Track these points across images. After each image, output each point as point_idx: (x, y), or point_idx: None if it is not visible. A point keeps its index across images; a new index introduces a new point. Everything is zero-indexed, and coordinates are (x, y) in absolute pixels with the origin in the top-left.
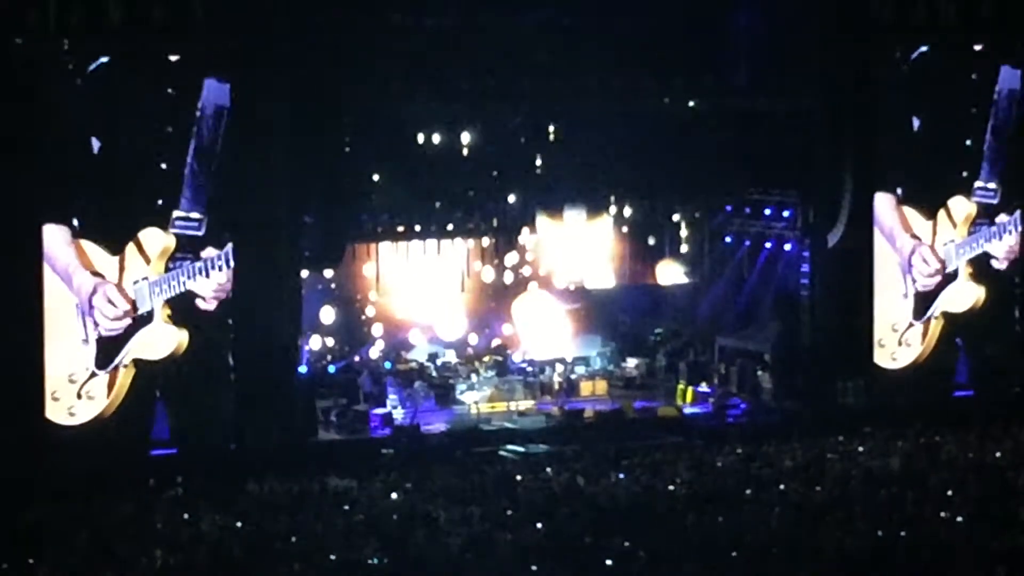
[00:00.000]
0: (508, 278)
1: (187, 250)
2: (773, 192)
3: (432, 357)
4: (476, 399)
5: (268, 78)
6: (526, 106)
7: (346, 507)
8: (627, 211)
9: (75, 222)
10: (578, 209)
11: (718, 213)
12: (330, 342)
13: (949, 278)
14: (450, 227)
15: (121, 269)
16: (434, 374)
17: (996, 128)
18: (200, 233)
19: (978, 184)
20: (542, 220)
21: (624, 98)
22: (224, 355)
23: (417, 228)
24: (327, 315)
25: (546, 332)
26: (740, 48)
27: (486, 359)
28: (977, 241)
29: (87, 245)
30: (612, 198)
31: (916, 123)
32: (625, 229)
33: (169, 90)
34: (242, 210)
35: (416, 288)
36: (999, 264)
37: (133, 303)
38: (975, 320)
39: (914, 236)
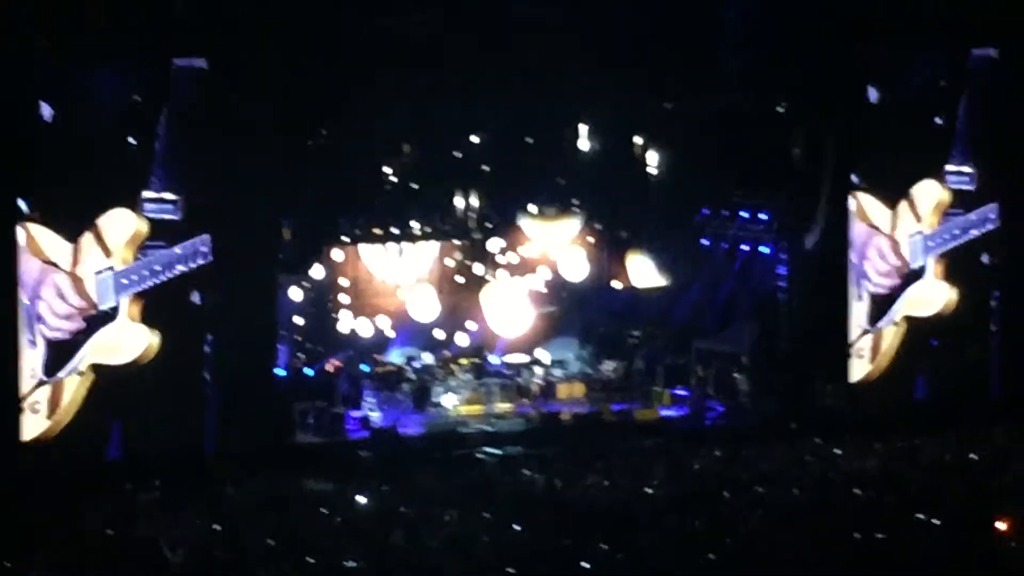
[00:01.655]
0: (480, 270)
1: (161, 237)
2: (750, 194)
3: (409, 360)
4: (454, 402)
5: (246, 81)
6: (508, 107)
7: (324, 509)
8: (604, 215)
9: (21, 202)
10: (555, 210)
11: (695, 215)
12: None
13: (912, 277)
14: (428, 230)
15: (76, 258)
16: (412, 376)
17: (971, 101)
18: (176, 218)
19: (950, 167)
20: (521, 221)
21: (603, 100)
22: (199, 357)
23: (394, 231)
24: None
25: (514, 317)
26: (720, 49)
27: (463, 361)
28: (950, 233)
29: (37, 229)
30: (589, 201)
31: (875, 95)
32: (601, 230)
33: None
34: (218, 212)
35: (390, 280)
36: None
37: (90, 298)
38: (945, 324)
39: (871, 226)
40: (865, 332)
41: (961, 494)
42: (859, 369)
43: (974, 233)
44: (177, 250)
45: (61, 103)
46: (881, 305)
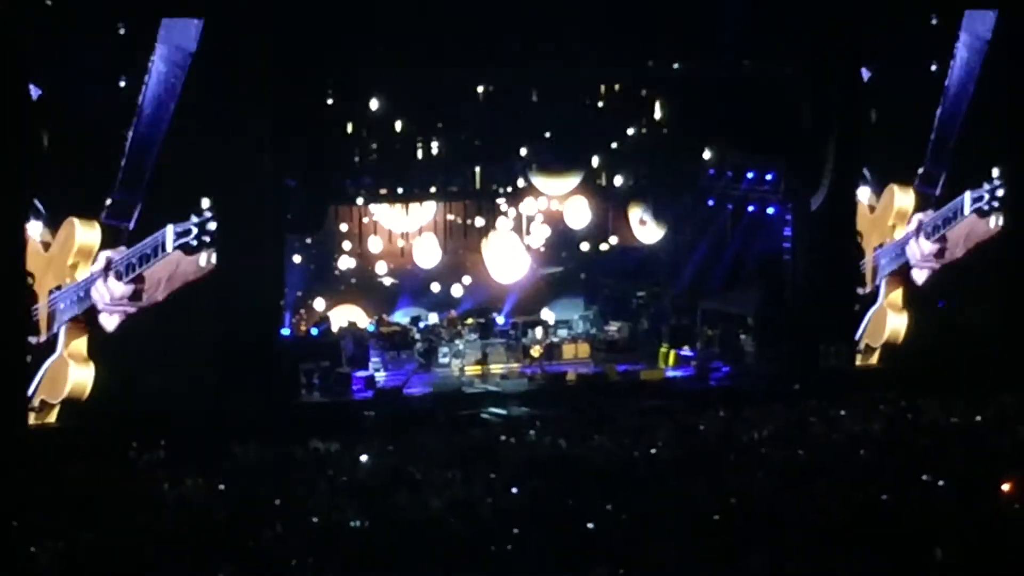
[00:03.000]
0: (482, 222)
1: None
2: (756, 155)
3: (415, 320)
4: (459, 362)
5: (247, 44)
6: (510, 68)
7: (328, 470)
8: (610, 175)
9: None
10: (561, 172)
11: (701, 176)
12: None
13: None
14: (432, 190)
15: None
16: (417, 336)
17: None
18: (130, 227)
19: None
20: (525, 178)
21: (608, 61)
22: (207, 318)
23: (399, 191)
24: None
25: (515, 265)
26: (725, 12)
27: (469, 322)
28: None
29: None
30: (595, 161)
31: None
32: (607, 191)
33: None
34: (223, 174)
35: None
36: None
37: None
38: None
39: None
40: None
41: (965, 456)
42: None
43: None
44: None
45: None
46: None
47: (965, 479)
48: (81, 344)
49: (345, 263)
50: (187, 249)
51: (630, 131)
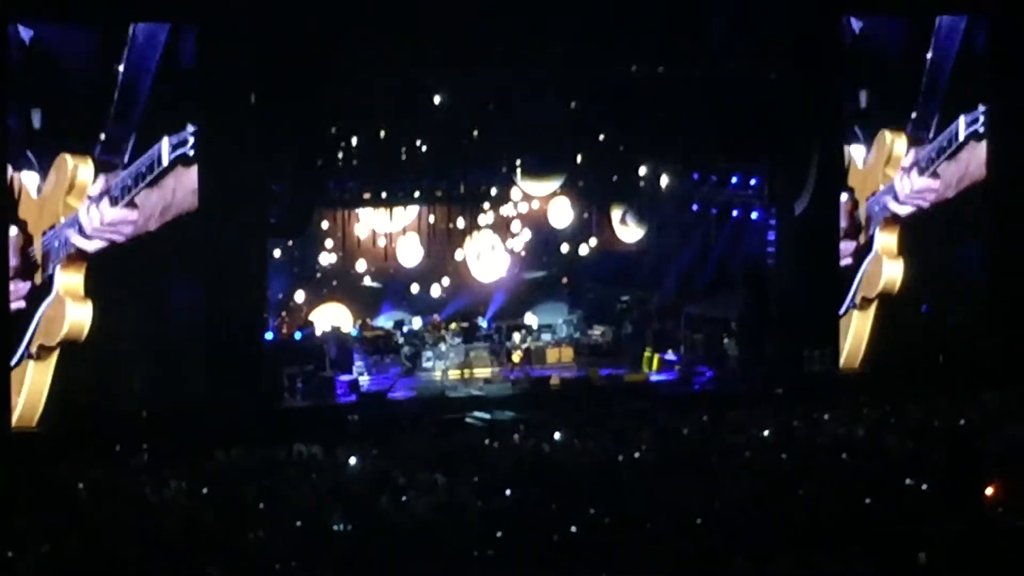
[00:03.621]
0: (464, 223)
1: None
2: (740, 160)
3: (399, 324)
4: (442, 366)
5: (236, 44)
6: (494, 71)
7: (312, 473)
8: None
9: None
10: (545, 175)
11: (684, 180)
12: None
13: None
14: (416, 194)
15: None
16: (401, 341)
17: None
18: (124, 161)
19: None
20: (508, 183)
21: (592, 66)
22: (191, 322)
23: (383, 195)
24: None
25: (494, 264)
26: (710, 15)
27: (452, 326)
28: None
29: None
30: (578, 164)
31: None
32: (589, 193)
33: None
34: (208, 177)
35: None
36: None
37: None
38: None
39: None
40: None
41: (949, 459)
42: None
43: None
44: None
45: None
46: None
47: (949, 482)
48: (77, 282)
49: (327, 259)
50: (185, 161)
51: (612, 134)
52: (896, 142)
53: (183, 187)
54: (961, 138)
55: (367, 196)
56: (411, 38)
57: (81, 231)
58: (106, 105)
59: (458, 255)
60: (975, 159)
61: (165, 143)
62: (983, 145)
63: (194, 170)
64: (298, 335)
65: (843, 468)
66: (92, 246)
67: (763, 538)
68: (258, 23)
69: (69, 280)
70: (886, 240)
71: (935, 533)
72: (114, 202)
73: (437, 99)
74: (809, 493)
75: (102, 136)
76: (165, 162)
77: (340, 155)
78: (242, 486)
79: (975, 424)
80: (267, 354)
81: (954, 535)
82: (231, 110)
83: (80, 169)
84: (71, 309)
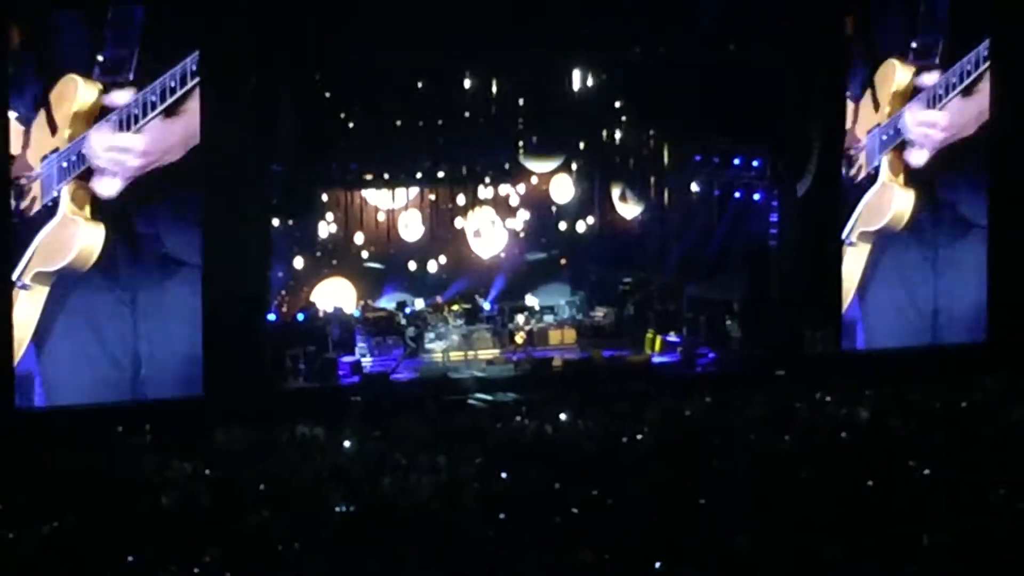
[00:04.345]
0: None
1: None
2: (742, 141)
3: (401, 306)
4: (445, 347)
5: (237, 23)
6: (495, 56)
7: (314, 455)
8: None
9: None
10: (546, 155)
11: (686, 162)
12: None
13: (868, 181)
14: (418, 175)
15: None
16: (404, 322)
17: None
18: (130, 77)
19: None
20: (509, 166)
21: (592, 47)
22: (192, 301)
23: (386, 177)
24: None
25: (493, 239)
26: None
27: (455, 308)
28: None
29: None
30: (580, 148)
31: None
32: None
33: None
34: (210, 158)
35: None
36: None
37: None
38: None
39: None
40: None
41: (951, 442)
42: None
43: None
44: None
45: None
46: None
47: (951, 464)
48: (86, 205)
49: (328, 234)
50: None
51: (614, 116)
52: (901, 72)
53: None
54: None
55: (369, 177)
56: (414, 19)
57: (88, 155)
58: (100, 21)
59: (458, 228)
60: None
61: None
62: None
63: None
64: (300, 316)
65: (845, 450)
66: (108, 187)
67: (765, 520)
68: (259, 7)
69: (78, 202)
70: (896, 172)
71: (935, 516)
72: (121, 127)
73: (440, 80)
74: (811, 474)
75: (100, 57)
76: (189, 83)
77: (342, 136)
78: (244, 467)
79: (978, 407)
80: (269, 335)
81: (956, 517)
82: (230, 87)
83: (85, 90)
84: (83, 230)
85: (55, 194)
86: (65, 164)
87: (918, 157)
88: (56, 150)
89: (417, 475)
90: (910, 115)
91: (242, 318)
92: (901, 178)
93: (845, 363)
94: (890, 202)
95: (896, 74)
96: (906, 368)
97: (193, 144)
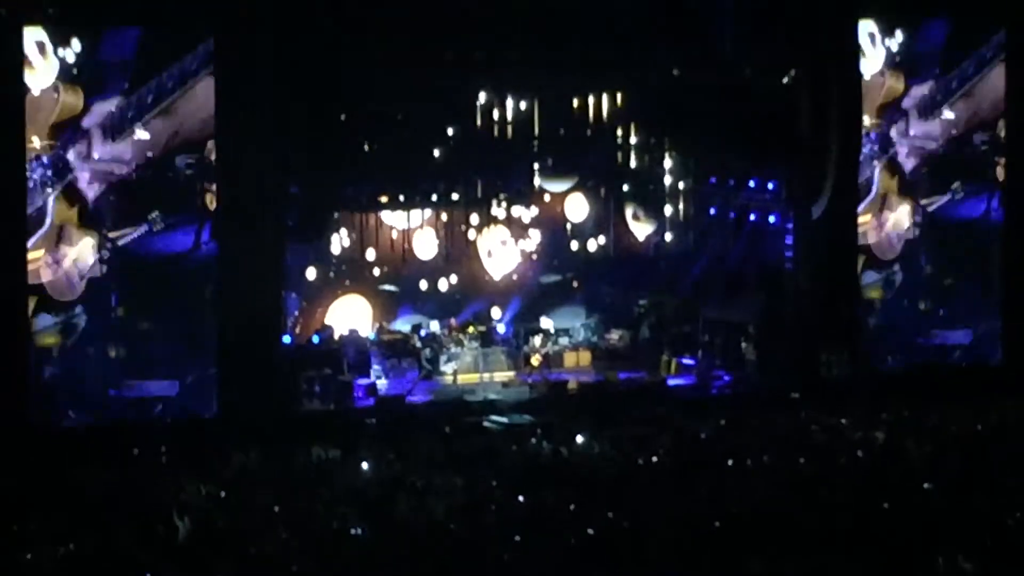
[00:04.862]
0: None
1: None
2: (758, 164)
3: (416, 328)
4: (460, 370)
5: (253, 45)
6: (511, 77)
7: (329, 477)
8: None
9: None
10: (562, 180)
11: (702, 184)
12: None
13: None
14: (434, 198)
15: None
16: (419, 345)
17: None
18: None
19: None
20: (526, 187)
21: (608, 69)
22: (206, 324)
23: (401, 198)
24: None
25: (505, 259)
26: (725, 18)
27: (470, 330)
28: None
29: None
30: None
31: None
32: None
33: None
34: (225, 179)
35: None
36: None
37: None
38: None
39: None
40: None
41: (967, 465)
42: None
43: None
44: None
45: None
46: None
47: (967, 488)
48: (73, 214)
49: (343, 251)
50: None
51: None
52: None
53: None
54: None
55: (384, 199)
56: (428, 41)
57: (74, 162)
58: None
59: (472, 248)
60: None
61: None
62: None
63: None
64: (315, 338)
65: (860, 473)
66: (87, 180)
67: (780, 542)
68: (276, 29)
69: (65, 211)
70: (889, 182)
71: (953, 537)
72: (109, 135)
73: (455, 102)
74: (826, 497)
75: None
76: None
77: (357, 158)
78: (260, 489)
79: (994, 430)
80: (284, 358)
81: (972, 539)
82: (247, 111)
83: (67, 94)
84: (74, 237)
85: (40, 203)
86: (49, 172)
87: (910, 166)
88: (38, 157)
89: (433, 497)
90: (899, 128)
91: (257, 340)
92: (895, 189)
93: (861, 385)
94: (888, 214)
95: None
96: (922, 391)
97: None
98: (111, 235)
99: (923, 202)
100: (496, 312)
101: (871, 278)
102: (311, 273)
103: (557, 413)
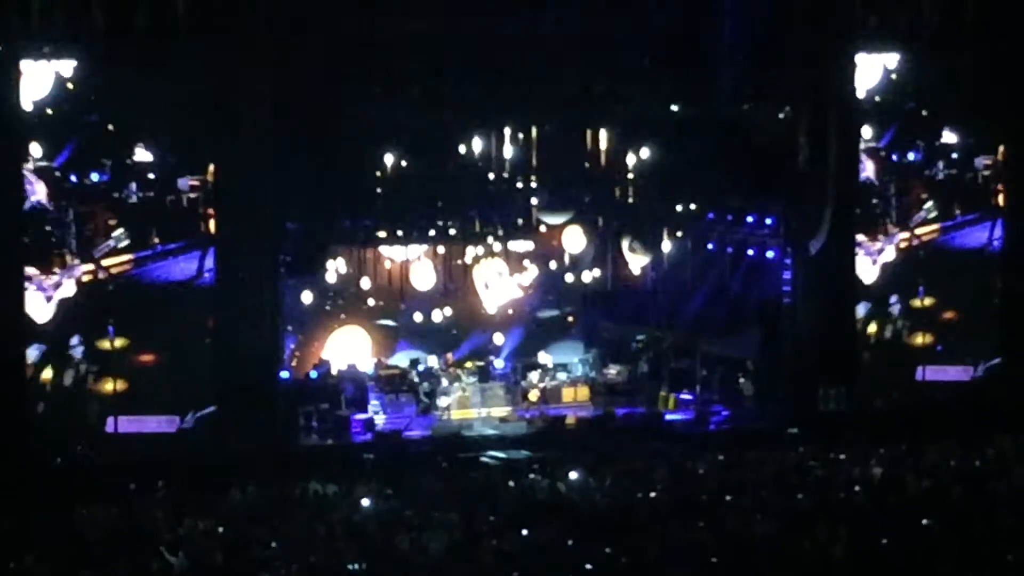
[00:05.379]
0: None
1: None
2: (756, 199)
3: (414, 363)
4: (457, 405)
5: (252, 82)
6: (510, 112)
7: (327, 512)
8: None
9: None
10: (560, 214)
11: (700, 220)
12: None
13: None
14: (431, 233)
15: None
16: (416, 380)
17: None
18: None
19: None
20: (521, 222)
21: (607, 104)
22: (204, 360)
23: (399, 234)
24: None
25: (501, 291)
26: (724, 54)
27: (467, 365)
28: None
29: None
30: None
31: None
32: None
33: None
34: (224, 216)
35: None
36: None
37: None
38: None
39: None
40: None
41: (965, 500)
42: None
43: None
44: None
45: None
46: None
47: (965, 523)
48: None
49: (339, 283)
50: None
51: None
52: None
53: None
54: None
55: (382, 234)
56: (427, 79)
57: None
58: None
59: (469, 281)
60: None
61: None
62: None
63: None
64: (313, 373)
65: (859, 508)
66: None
67: None
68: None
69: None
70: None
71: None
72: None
73: (452, 140)
74: (825, 533)
75: None
76: None
77: (355, 193)
78: (257, 525)
79: (991, 466)
80: (282, 393)
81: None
82: (246, 147)
83: None
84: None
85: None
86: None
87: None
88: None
89: (430, 532)
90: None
91: (255, 376)
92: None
93: (859, 421)
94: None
95: None
96: (919, 426)
97: None
98: (106, 263)
99: (918, 232)
100: (494, 346)
101: (868, 312)
102: (308, 305)
103: (555, 448)
